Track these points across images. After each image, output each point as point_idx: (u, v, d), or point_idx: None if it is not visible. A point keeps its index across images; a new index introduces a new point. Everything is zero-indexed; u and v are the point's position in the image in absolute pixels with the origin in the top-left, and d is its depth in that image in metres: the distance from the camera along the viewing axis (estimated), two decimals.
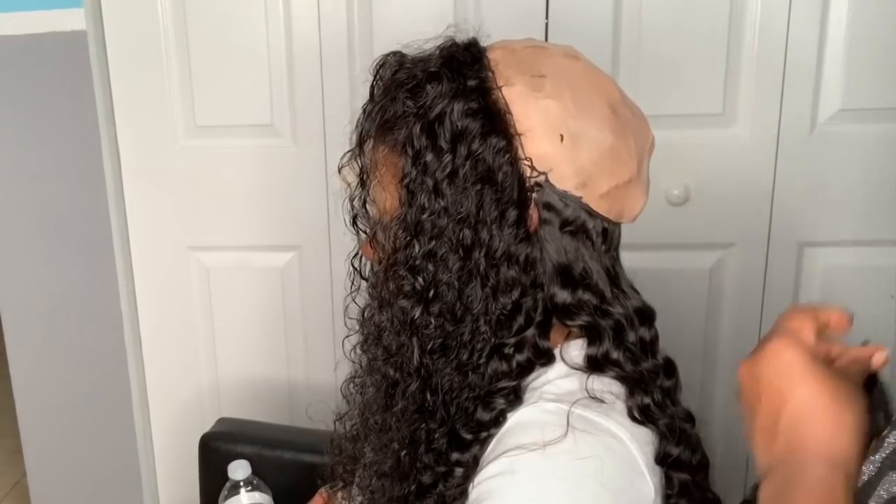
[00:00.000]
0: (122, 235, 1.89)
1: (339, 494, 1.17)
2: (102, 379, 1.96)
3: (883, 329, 1.85)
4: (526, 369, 0.87)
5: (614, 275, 0.91)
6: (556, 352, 0.88)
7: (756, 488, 0.67)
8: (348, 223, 0.94)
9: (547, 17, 1.72)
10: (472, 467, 0.86)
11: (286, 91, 1.80)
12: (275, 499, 1.38)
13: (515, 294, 0.86)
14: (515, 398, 0.86)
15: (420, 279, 0.85)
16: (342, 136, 1.00)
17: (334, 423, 1.11)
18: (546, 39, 1.59)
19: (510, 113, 0.84)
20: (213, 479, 1.46)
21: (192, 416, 1.95)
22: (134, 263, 1.93)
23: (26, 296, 1.92)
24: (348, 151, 0.92)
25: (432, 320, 0.86)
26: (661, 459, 0.87)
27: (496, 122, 0.83)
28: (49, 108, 1.80)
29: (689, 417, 0.94)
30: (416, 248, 0.85)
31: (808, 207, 1.78)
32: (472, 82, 0.84)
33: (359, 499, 1.06)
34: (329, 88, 1.79)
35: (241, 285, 1.94)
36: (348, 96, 1.78)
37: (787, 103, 1.73)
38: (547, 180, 0.84)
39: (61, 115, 1.80)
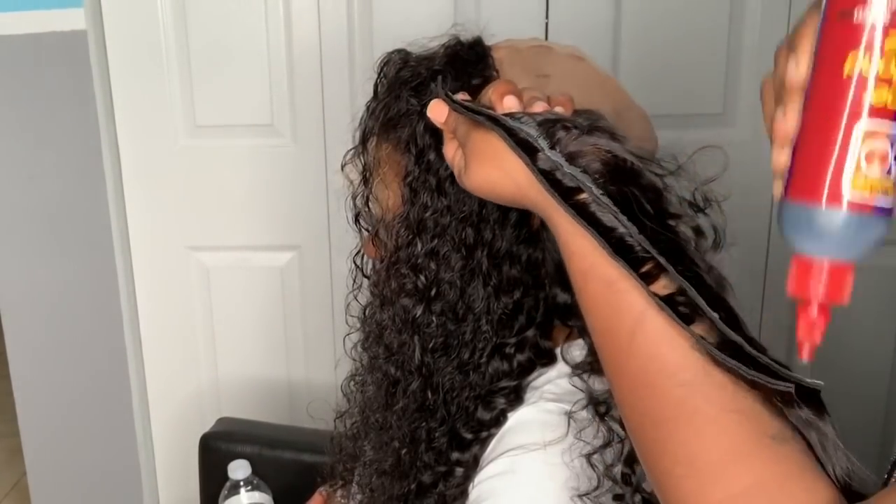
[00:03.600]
0: (122, 235, 1.89)
1: (339, 493, 1.17)
2: (102, 379, 1.96)
3: (883, 329, 1.86)
4: (527, 369, 0.87)
5: None
6: (558, 352, 0.88)
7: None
8: (350, 221, 0.94)
9: (547, 17, 1.72)
10: (473, 467, 0.86)
11: (286, 91, 1.80)
12: (275, 499, 1.38)
13: (517, 294, 0.86)
14: (516, 398, 0.86)
15: (422, 277, 0.85)
16: (342, 135, 0.99)
17: (334, 421, 1.11)
18: (546, 39, 1.60)
19: None
20: (213, 479, 1.46)
21: (192, 416, 1.95)
22: (134, 263, 1.93)
23: (26, 296, 1.92)
24: (351, 149, 0.92)
25: (434, 319, 0.86)
26: None
27: None
28: (49, 108, 1.80)
29: None
30: (419, 246, 0.85)
31: None
32: (476, 81, 0.84)
33: (358, 497, 1.06)
34: (329, 88, 1.79)
35: (241, 285, 1.94)
36: (348, 96, 1.78)
37: None
38: None
39: (61, 115, 1.80)
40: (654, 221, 0.62)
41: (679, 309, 0.59)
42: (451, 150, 0.76)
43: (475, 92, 0.84)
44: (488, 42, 0.90)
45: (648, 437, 0.62)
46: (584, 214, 0.62)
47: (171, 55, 1.80)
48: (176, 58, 1.80)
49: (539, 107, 0.69)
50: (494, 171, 0.69)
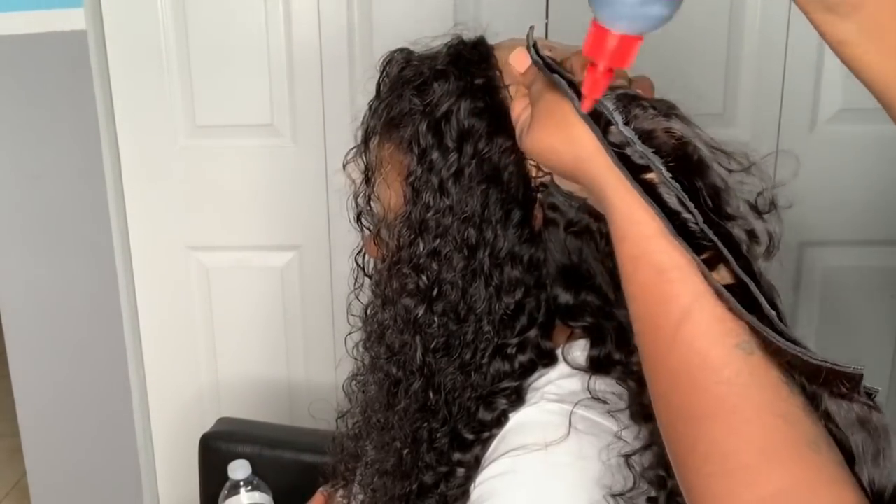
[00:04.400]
0: (122, 235, 1.89)
1: (340, 493, 1.17)
2: (102, 379, 1.96)
3: (883, 329, 1.86)
4: (528, 370, 0.87)
5: (618, 277, 0.91)
6: (559, 352, 0.88)
7: None
8: (352, 220, 0.94)
9: (547, 17, 1.72)
10: (474, 467, 0.86)
11: (286, 91, 1.80)
12: (275, 499, 1.38)
13: (519, 294, 0.86)
14: (517, 398, 0.86)
15: (424, 277, 0.85)
16: (342, 135, 1.00)
17: (336, 420, 1.11)
18: (547, 39, 1.60)
19: None
20: (213, 479, 1.46)
21: (192, 416, 1.95)
22: (134, 263, 1.92)
23: (26, 296, 1.92)
24: (353, 148, 0.92)
25: (435, 319, 0.86)
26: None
27: (503, 121, 0.83)
28: (49, 108, 1.80)
29: None
30: (421, 246, 0.85)
31: (808, 207, 1.78)
32: (479, 81, 0.84)
33: (360, 497, 1.06)
34: (329, 88, 1.79)
35: (241, 285, 1.94)
36: (348, 96, 1.78)
37: (787, 103, 1.73)
38: (552, 181, 0.84)
39: (61, 115, 1.80)
40: (712, 216, 0.62)
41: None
42: (519, 106, 0.74)
43: (476, 92, 0.85)
44: (491, 42, 0.90)
45: (681, 432, 0.61)
46: (650, 193, 0.61)
47: (171, 55, 1.80)
48: (176, 58, 1.80)
49: (619, 83, 0.68)
50: (557, 138, 0.67)
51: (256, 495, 1.37)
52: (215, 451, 1.53)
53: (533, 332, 0.87)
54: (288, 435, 1.63)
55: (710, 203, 0.62)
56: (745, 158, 0.68)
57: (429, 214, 0.84)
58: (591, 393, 0.84)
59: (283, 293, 1.93)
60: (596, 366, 0.86)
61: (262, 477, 1.39)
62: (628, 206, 0.62)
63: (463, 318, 0.86)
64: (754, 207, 0.67)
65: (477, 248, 0.84)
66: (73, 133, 1.81)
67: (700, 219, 0.60)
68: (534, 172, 0.84)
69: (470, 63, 0.86)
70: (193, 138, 1.85)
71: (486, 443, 0.86)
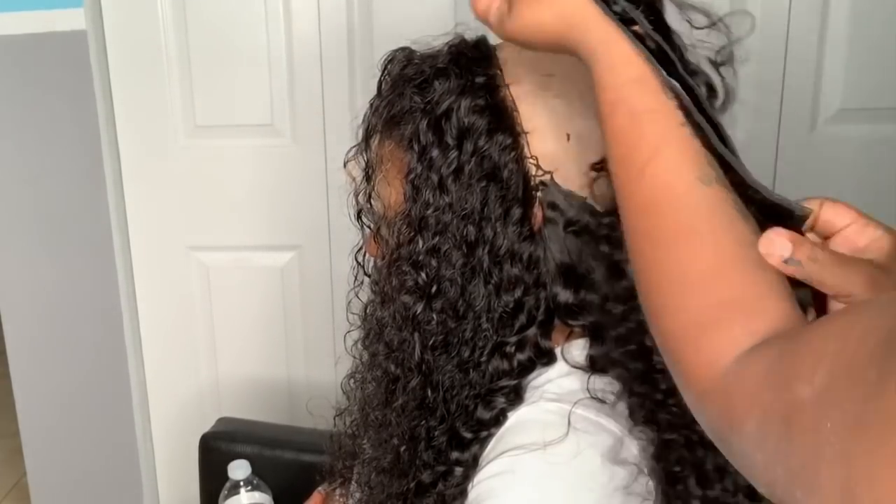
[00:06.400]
0: (122, 235, 1.89)
1: (338, 492, 1.17)
2: (102, 379, 1.96)
3: None
4: (527, 368, 0.87)
5: (617, 275, 0.91)
6: (558, 351, 0.88)
7: None
8: (353, 218, 0.94)
9: None
10: (472, 466, 0.85)
11: (286, 91, 1.80)
12: (275, 499, 1.38)
13: (518, 292, 0.86)
14: (516, 397, 0.86)
15: (423, 275, 0.85)
16: (342, 135, 1.00)
17: (334, 418, 1.11)
18: None
19: (517, 111, 0.84)
20: (213, 479, 1.46)
21: (192, 416, 1.95)
22: (134, 263, 1.93)
23: (26, 295, 1.92)
24: (354, 146, 0.92)
25: (434, 316, 0.86)
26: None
27: (503, 119, 0.83)
28: (49, 108, 1.80)
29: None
30: (420, 243, 0.85)
31: None
32: (479, 79, 0.84)
33: (357, 495, 1.06)
34: (329, 88, 1.79)
35: (241, 285, 1.94)
36: (348, 96, 1.78)
37: (786, 103, 1.73)
38: (552, 179, 0.84)
39: (61, 115, 1.80)
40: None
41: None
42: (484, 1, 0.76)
43: (476, 90, 0.85)
44: (492, 41, 0.90)
45: (648, 258, 0.68)
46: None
47: (171, 55, 1.80)
48: (176, 58, 1.80)
49: None
50: (546, 11, 0.71)
51: (256, 495, 1.37)
52: (215, 451, 1.53)
53: (532, 331, 0.87)
54: (288, 435, 1.63)
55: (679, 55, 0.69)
56: (709, 15, 0.74)
57: (428, 212, 0.84)
58: (590, 392, 0.84)
59: (283, 293, 1.93)
60: (595, 365, 0.86)
61: (262, 477, 1.39)
62: (610, 55, 0.68)
63: (462, 315, 0.86)
64: (714, 62, 0.74)
65: (476, 245, 0.84)
66: (73, 133, 1.81)
67: (680, 66, 0.67)
68: (533, 171, 0.84)
69: (471, 61, 0.86)
70: (193, 138, 1.85)
71: (484, 442, 0.86)
